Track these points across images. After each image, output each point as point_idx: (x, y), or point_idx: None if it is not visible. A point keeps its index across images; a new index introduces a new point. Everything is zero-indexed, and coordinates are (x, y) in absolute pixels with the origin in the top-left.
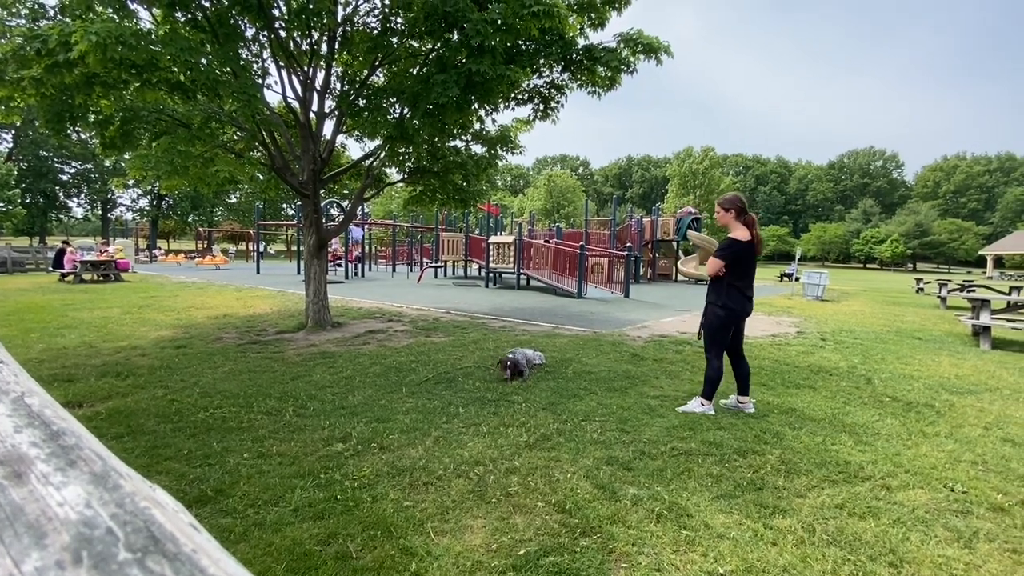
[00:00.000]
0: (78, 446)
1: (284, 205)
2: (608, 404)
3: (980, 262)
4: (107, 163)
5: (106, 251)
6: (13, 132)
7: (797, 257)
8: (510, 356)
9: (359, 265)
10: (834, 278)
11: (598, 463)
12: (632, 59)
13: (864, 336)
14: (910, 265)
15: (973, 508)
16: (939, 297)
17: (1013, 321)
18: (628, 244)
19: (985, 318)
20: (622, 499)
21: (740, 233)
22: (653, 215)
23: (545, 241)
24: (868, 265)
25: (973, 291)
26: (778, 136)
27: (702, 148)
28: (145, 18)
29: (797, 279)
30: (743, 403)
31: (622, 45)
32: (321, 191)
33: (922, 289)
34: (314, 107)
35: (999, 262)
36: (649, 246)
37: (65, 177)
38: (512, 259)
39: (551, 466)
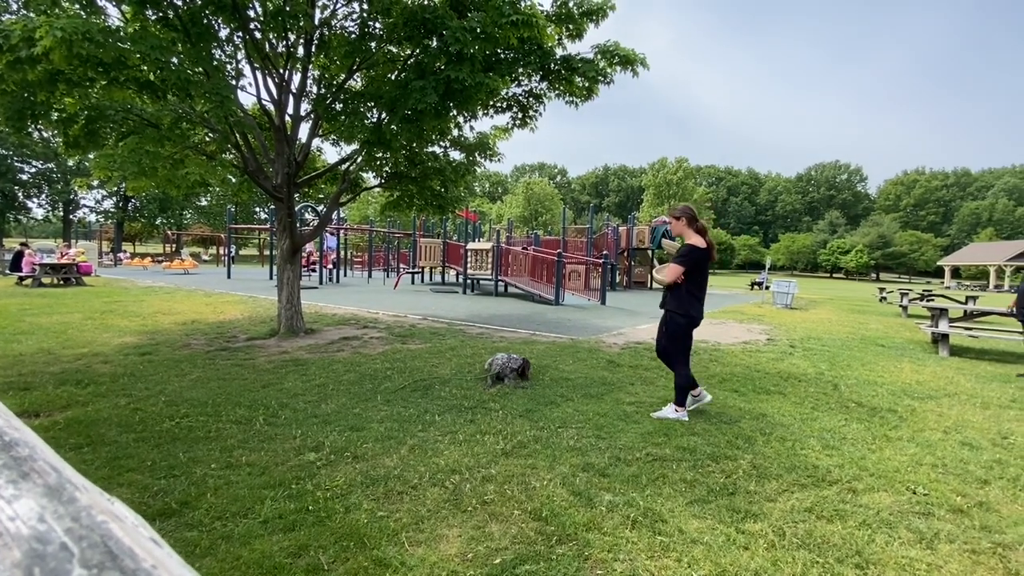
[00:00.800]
0: (32, 457)
1: (257, 209)
2: (584, 411)
3: (938, 272)
4: (70, 163)
5: (67, 254)
6: None
7: (767, 266)
8: (515, 359)
9: (334, 270)
10: (802, 287)
11: (574, 470)
12: (609, 70)
13: (831, 343)
14: (873, 275)
15: (934, 510)
16: (901, 306)
17: (969, 329)
18: (605, 252)
19: (943, 326)
20: (598, 506)
21: (696, 240)
22: (629, 224)
23: (523, 248)
24: (834, 275)
25: (932, 300)
26: (749, 148)
27: (676, 159)
28: (114, 15)
29: (767, 288)
30: (697, 396)
31: (599, 56)
32: (296, 195)
33: (885, 298)
34: (289, 110)
35: (956, 272)
36: (625, 254)
37: (25, 176)
38: (490, 266)
39: (527, 473)
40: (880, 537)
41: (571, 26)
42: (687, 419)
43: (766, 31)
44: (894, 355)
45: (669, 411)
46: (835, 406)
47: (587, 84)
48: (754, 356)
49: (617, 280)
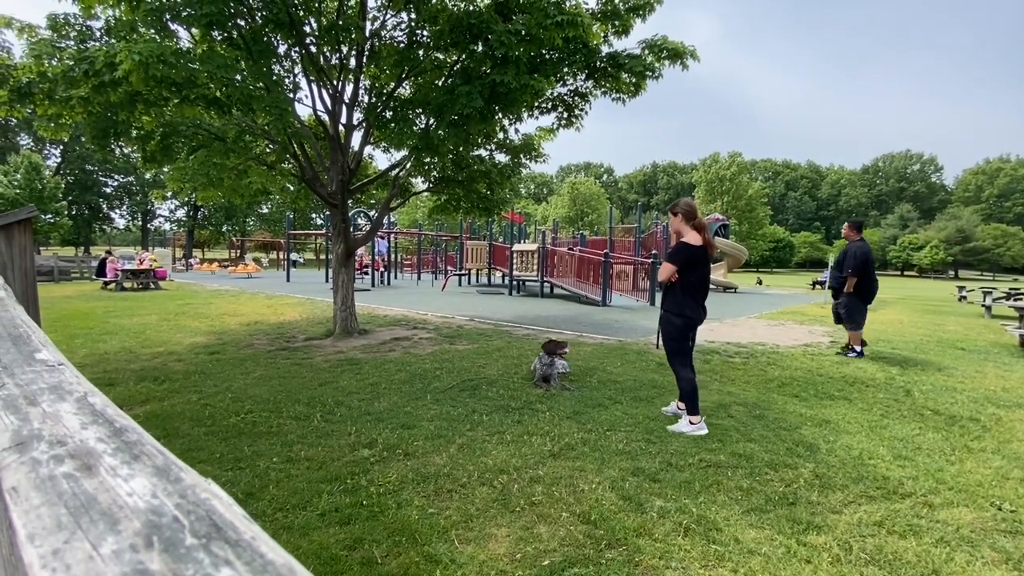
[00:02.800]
0: (140, 442)
1: (313, 215)
2: (634, 414)
3: None
4: (147, 176)
5: (144, 260)
6: (61, 148)
7: (830, 264)
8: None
9: (385, 273)
10: None
11: (624, 474)
12: (657, 64)
13: (903, 346)
14: (951, 272)
15: (1023, 528)
16: (983, 306)
17: None
18: (654, 251)
19: None
20: (648, 511)
21: (692, 237)
22: None
23: (569, 249)
24: (906, 272)
25: (1020, 299)
26: (808, 140)
27: (729, 154)
28: (184, 37)
29: (830, 287)
30: (683, 409)
31: (646, 51)
32: (349, 201)
33: (964, 297)
34: (343, 119)
35: None
36: None
37: (108, 190)
38: (536, 267)
39: (576, 476)
40: (960, 556)
41: (617, 23)
42: (705, 431)
43: (821, 15)
44: (976, 359)
45: (684, 425)
46: (908, 413)
47: (634, 80)
48: (816, 359)
49: None
